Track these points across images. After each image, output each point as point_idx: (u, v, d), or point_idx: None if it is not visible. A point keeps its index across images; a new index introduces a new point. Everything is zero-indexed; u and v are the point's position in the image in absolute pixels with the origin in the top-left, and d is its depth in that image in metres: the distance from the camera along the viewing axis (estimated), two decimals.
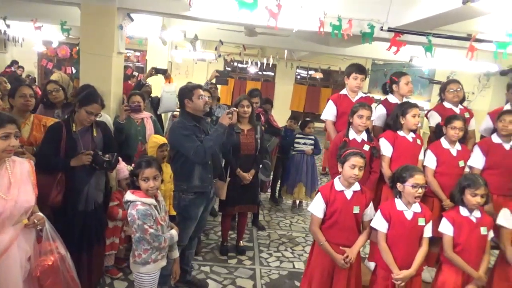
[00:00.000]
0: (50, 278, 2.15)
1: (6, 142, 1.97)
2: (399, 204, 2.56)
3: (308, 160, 5.32)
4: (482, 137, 3.59)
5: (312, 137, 5.42)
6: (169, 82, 4.51)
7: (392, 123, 3.18)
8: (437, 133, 3.29)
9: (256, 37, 6.61)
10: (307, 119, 5.69)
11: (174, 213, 3.10)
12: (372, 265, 2.91)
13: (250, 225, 4.71)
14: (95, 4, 3.77)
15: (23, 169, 2.13)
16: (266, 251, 4.19)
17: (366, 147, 3.04)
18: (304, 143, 5.35)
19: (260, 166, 4.01)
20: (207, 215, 3.41)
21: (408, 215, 2.52)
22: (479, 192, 2.51)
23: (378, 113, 3.40)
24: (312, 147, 5.35)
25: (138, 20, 4.59)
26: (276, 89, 14.00)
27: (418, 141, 3.18)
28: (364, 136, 3.08)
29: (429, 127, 3.52)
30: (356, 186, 2.60)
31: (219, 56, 8.55)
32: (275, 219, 5.16)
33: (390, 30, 3.80)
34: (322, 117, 3.50)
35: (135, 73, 7.95)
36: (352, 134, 3.08)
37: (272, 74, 14.27)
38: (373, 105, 3.40)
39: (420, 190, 2.48)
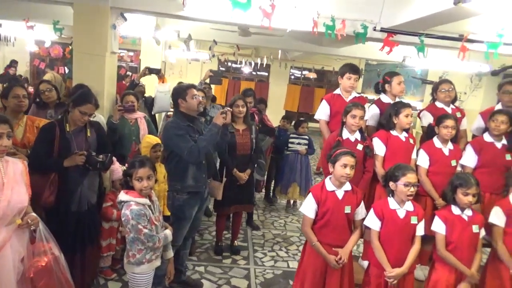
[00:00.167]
0: (44, 279, 2.14)
1: None
2: (392, 202, 2.58)
3: (302, 160, 5.33)
4: (474, 136, 3.63)
5: (306, 137, 5.44)
6: (163, 82, 4.50)
7: (385, 122, 3.20)
8: (428, 133, 3.32)
9: (250, 37, 6.62)
10: (301, 119, 5.72)
11: (168, 213, 3.10)
12: (366, 263, 2.93)
13: (245, 225, 4.71)
14: (88, 3, 3.75)
15: (16, 169, 2.12)
16: (261, 250, 4.20)
17: (360, 147, 3.07)
18: (298, 143, 5.37)
19: (255, 165, 4.02)
20: (201, 215, 3.41)
21: (401, 213, 2.55)
22: (471, 192, 2.53)
23: (371, 112, 3.42)
24: (306, 147, 5.37)
25: (132, 20, 4.57)
26: (270, 89, 14.02)
27: (411, 141, 3.21)
28: (357, 135, 3.10)
29: (422, 126, 3.55)
30: (347, 186, 2.62)
31: (213, 56, 8.56)
32: (270, 218, 5.17)
33: (383, 30, 3.83)
34: (315, 117, 3.52)
35: (129, 73, 7.92)
36: (345, 134, 3.09)
37: (266, 74, 14.29)
38: (367, 105, 3.42)
39: (412, 189, 2.51)
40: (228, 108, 3.10)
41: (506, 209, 2.70)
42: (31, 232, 2.15)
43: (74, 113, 2.69)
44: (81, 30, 3.83)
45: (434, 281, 2.66)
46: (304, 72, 14.16)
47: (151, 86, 5.01)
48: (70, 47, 4.99)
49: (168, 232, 2.53)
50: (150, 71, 4.54)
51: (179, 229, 2.96)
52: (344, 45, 6.15)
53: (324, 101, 3.44)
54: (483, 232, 2.65)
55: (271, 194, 5.72)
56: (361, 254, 3.56)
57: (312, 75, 13.06)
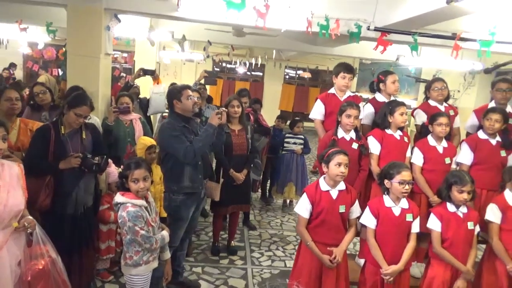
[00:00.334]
0: (41, 282, 2.13)
1: None
2: (387, 200, 2.60)
3: (298, 159, 5.34)
4: (467, 134, 3.66)
5: (302, 137, 5.46)
6: (158, 83, 4.49)
7: (380, 121, 3.22)
8: (422, 133, 3.34)
9: (245, 38, 6.62)
10: (296, 118, 5.73)
11: (165, 214, 3.10)
12: (362, 262, 2.95)
13: (241, 225, 4.72)
14: (82, 5, 3.74)
15: (12, 172, 2.11)
16: (258, 250, 4.21)
17: (355, 145, 3.08)
18: (294, 143, 5.38)
19: (252, 165, 4.03)
20: (198, 215, 3.41)
21: (396, 211, 2.57)
22: (466, 189, 2.56)
23: (366, 111, 3.44)
24: (302, 146, 5.39)
25: (126, 21, 4.55)
26: (265, 89, 14.02)
27: (406, 139, 3.23)
28: (352, 134, 3.11)
29: (415, 125, 3.58)
30: (342, 185, 2.63)
31: (208, 56, 8.55)
32: (266, 218, 5.18)
33: (376, 29, 3.85)
34: (310, 116, 3.53)
35: (123, 74, 7.90)
36: (340, 133, 3.11)
37: (261, 74, 14.29)
38: (361, 104, 3.44)
39: (407, 187, 2.53)
40: (224, 109, 3.10)
41: (501, 205, 2.73)
42: (28, 235, 2.14)
43: (69, 115, 2.68)
44: (75, 32, 3.81)
45: (430, 278, 2.68)
46: (298, 72, 14.17)
47: (145, 87, 4.99)
48: (64, 49, 4.97)
49: (165, 233, 2.53)
50: (144, 72, 4.52)
51: (176, 230, 2.96)
52: (338, 45, 6.18)
53: (318, 101, 3.45)
54: (478, 229, 2.67)
55: (268, 194, 5.73)
56: (357, 253, 3.58)
57: (307, 75, 13.08)
